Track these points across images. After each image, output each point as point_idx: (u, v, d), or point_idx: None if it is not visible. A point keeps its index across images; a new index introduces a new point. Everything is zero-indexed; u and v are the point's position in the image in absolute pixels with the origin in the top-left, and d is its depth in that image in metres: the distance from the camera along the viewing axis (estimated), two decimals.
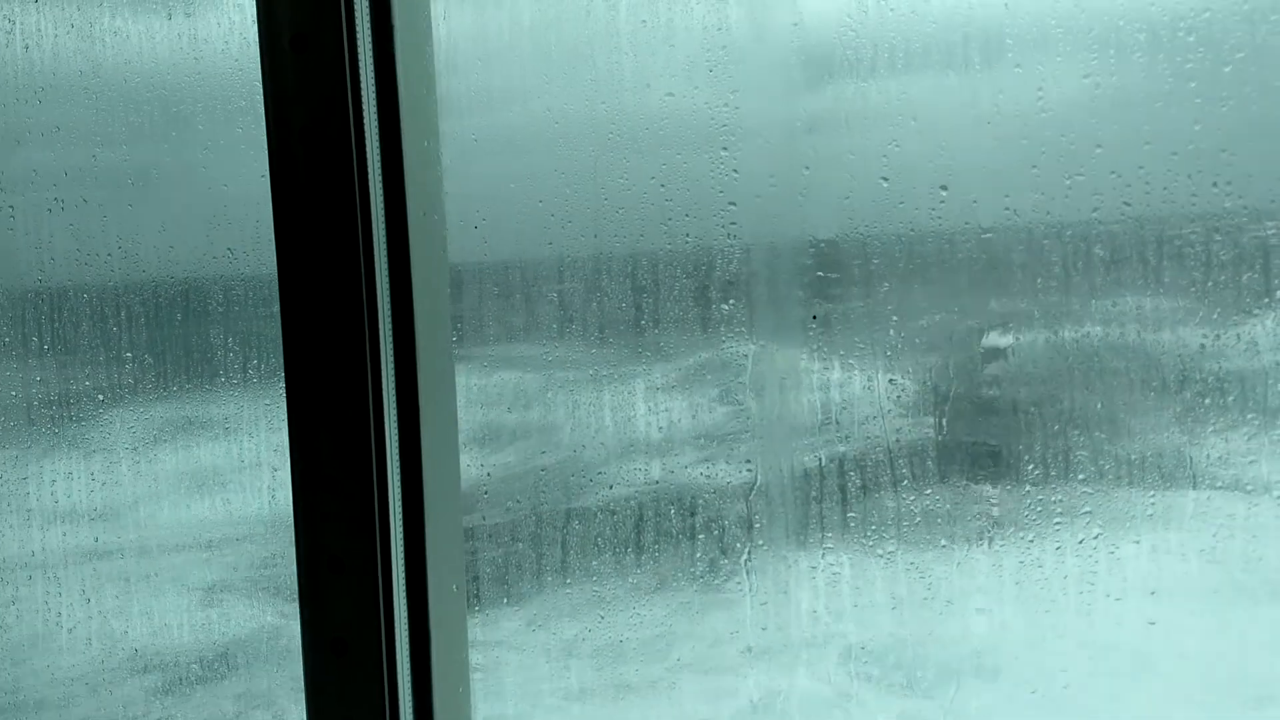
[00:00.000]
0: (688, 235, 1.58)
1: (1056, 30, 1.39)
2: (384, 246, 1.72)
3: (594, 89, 1.61)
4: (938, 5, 1.45)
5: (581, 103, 1.62)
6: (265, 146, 1.82)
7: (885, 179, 1.48)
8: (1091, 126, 1.39)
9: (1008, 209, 1.45)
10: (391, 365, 1.74)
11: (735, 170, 1.54)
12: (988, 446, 1.55)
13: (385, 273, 1.73)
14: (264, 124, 1.74)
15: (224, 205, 1.90)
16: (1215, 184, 1.34)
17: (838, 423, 1.59)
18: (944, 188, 1.46)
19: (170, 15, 1.90)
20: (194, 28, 1.88)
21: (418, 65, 1.77)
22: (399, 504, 1.76)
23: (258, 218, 1.89)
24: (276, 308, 1.93)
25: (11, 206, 2.06)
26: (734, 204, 1.55)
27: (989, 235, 1.45)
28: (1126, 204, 1.38)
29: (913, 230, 1.49)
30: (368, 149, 1.69)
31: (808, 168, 1.52)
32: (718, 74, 1.54)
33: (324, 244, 1.70)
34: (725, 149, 1.54)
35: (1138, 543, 1.47)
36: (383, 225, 1.72)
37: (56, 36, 2.00)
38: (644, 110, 1.58)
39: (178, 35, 1.89)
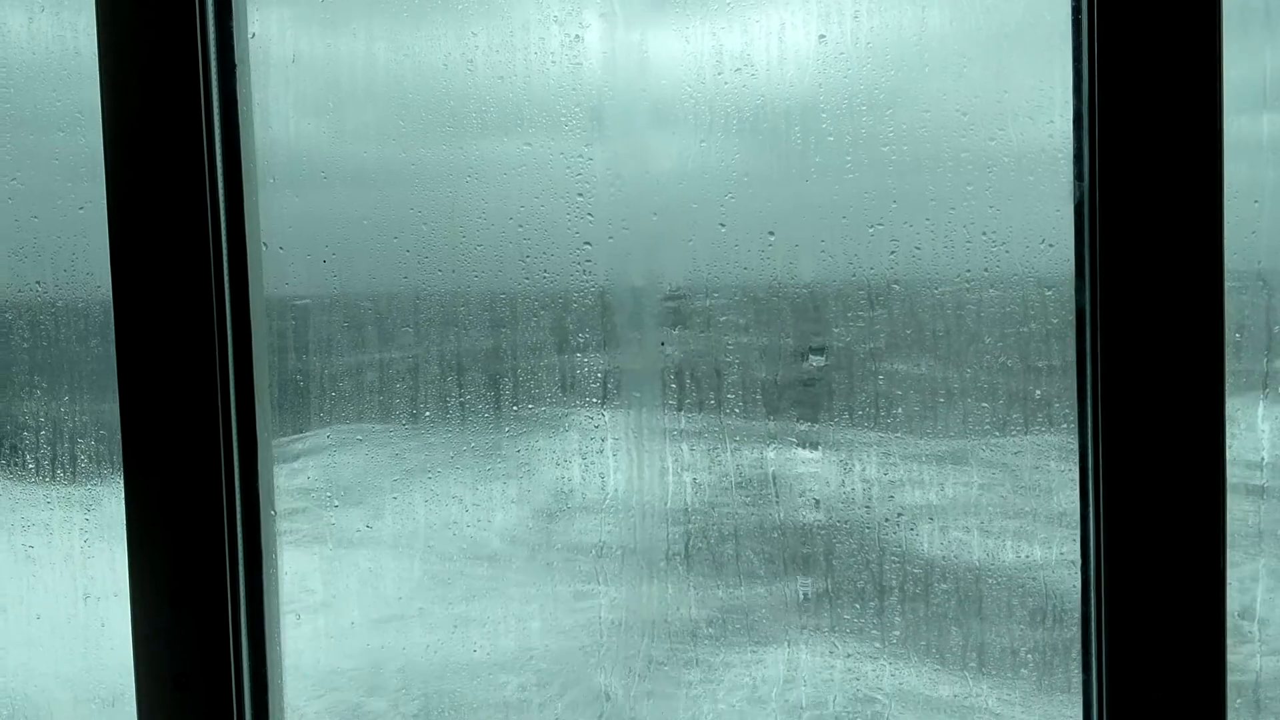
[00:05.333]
0: (545, 272, 1.74)
1: (861, 107, 1.70)
2: (226, 267, 1.75)
3: (453, 135, 1.74)
4: (764, 80, 1.72)
5: (438, 146, 1.75)
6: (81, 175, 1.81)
7: (722, 225, 1.72)
8: (888, 186, 1.71)
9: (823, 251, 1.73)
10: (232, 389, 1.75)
11: (590, 214, 1.73)
12: None
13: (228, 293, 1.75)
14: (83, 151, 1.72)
15: (33, 237, 1.84)
16: (984, 233, 1.69)
17: None
18: (771, 233, 1.72)
19: None
20: (4, 53, 1.81)
21: (253, 104, 1.82)
22: (241, 529, 1.77)
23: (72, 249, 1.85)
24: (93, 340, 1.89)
25: None
26: (589, 244, 1.73)
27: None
28: (917, 248, 1.71)
29: (745, 269, 1.73)
30: (217, 182, 1.72)
31: (655, 214, 1.73)
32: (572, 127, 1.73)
33: (165, 257, 1.70)
34: (580, 195, 1.73)
35: None
36: (225, 247, 1.75)
37: None
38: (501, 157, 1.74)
39: None
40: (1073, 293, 1.56)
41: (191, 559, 1.75)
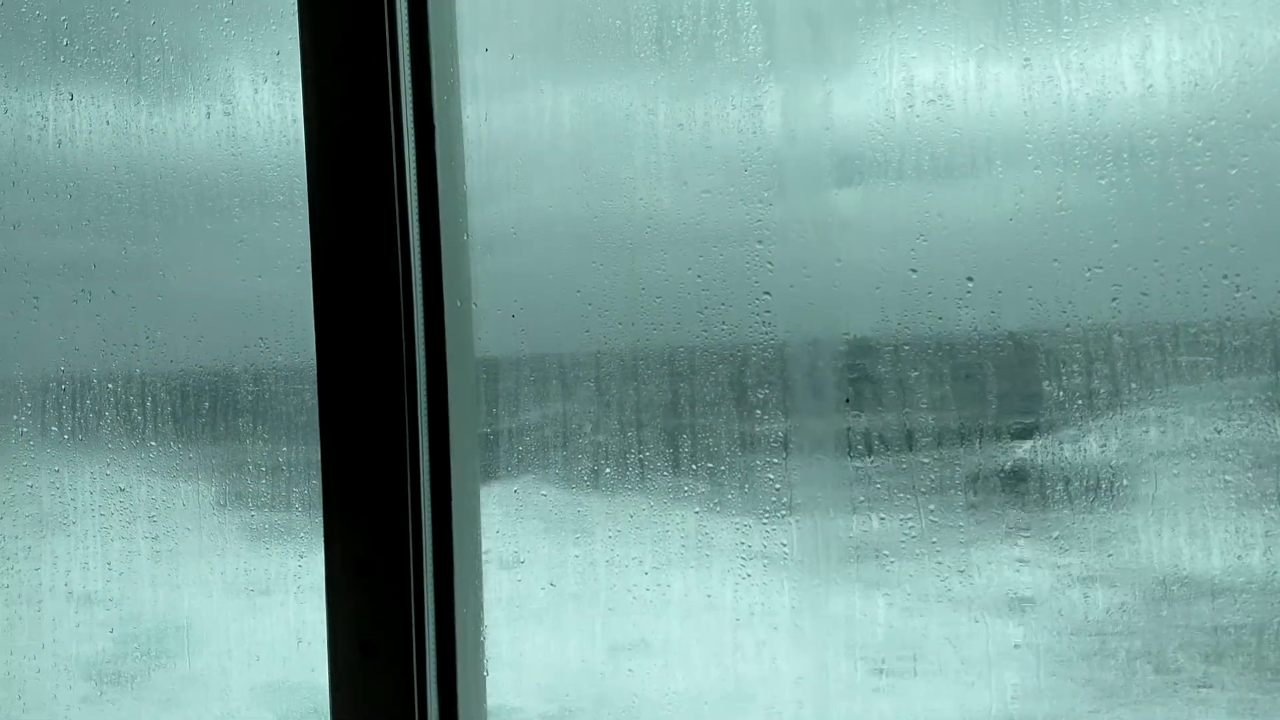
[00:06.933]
0: (723, 324, 1.66)
1: (1073, 136, 1.51)
2: (422, 330, 1.78)
3: (630, 186, 1.70)
4: (960, 112, 1.57)
5: (618, 199, 1.71)
6: (299, 239, 1.90)
7: (914, 270, 1.58)
8: (1108, 224, 1.51)
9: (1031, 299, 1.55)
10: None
11: (770, 262, 1.63)
12: None
13: (423, 354, 1.78)
14: (303, 217, 1.80)
15: (257, 297, 1.96)
16: (1224, 276, 1.45)
17: None
18: (970, 279, 1.56)
19: (209, 113, 1.97)
20: (233, 125, 1.95)
21: (451, 162, 1.86)
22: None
23: (291, 308, 1.95)
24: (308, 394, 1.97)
25: (35, 297, 2.09)
26: (769, 294, 1.63)
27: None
28: (1144, 294, 1.49)
29: (940, 319, 1.58)
30: (411, 242, 1.76)
31: (839, 260, 1.61)
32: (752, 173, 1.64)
33: (364, 323, 1.76)
34: (760, 242, 1.63)
35: None
36: (422, 311, 1.78)
37: (90, 133, 2.06)
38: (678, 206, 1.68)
39: (216, 132, 1.96)
40: None
41: (383, 606, 1.78)
